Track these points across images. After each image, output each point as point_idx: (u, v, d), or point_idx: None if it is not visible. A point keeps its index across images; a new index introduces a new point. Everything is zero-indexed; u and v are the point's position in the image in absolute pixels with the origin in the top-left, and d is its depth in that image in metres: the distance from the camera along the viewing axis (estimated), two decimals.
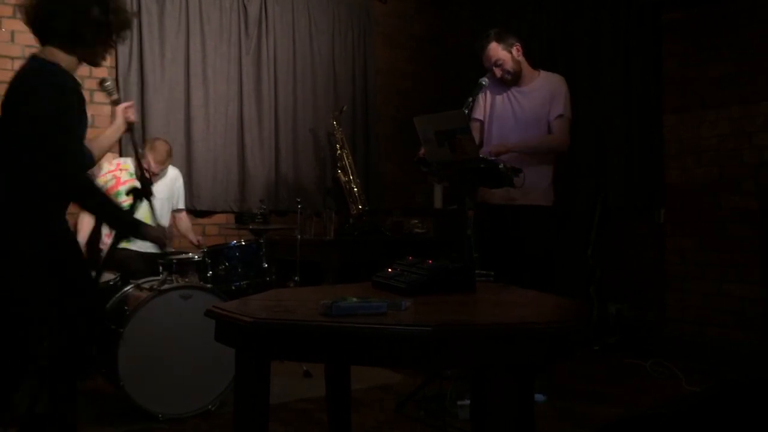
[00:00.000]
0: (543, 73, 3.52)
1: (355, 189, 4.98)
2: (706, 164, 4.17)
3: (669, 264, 4.37)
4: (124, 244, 4.05)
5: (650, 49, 4.47)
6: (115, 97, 2.55)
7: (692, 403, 1.72)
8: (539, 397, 3.24)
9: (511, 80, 3.47)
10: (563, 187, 4.80)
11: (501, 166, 2.63)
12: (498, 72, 3.44)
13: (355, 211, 4.94)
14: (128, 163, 4.16)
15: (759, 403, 1.74)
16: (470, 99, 3.34)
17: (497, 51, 3.42)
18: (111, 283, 3.50)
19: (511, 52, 3.43)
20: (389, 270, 2.16)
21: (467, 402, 3.00)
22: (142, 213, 4.07)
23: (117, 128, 2.56)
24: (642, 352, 4.18)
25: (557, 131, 3.41)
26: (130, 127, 2.55)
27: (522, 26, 5.36)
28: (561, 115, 3.40)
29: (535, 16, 5.28)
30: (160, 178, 4.21)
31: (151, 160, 4.03)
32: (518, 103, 3.49)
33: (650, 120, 4.49)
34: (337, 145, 5.06)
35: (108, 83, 2.55)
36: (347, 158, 5.03)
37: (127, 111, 2.54)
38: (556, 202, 3.58)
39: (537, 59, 5.12)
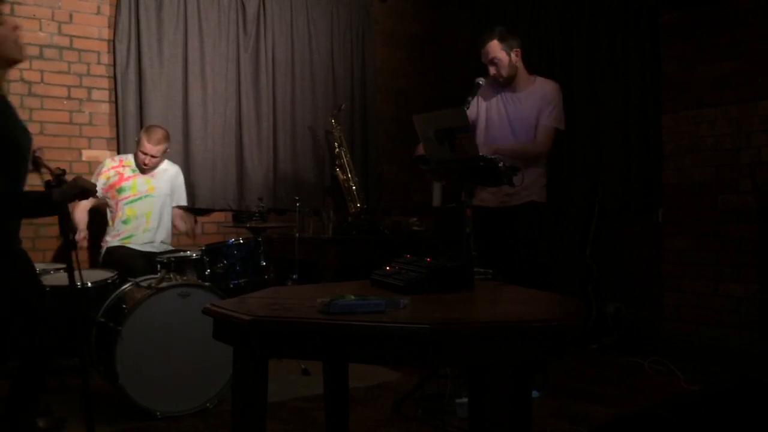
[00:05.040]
0: (539, 79, 3.57)
1: (354, 187, 4.98)
2: (703, 164, 4.18)
3: (666, 263, 4.37)
4: (123, 242, 4.06)
5: (648, 49, 4.48)
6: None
7: (688, 402, 1.73)
8: (534, 393, 3.26)
9: (503, 82, 3.52)
10: (561, 187, 4.83)
11: (500, 165, 2.63)
12: (492, 70, 3.48)
13: (353, 210, 4.95)
14: (130, 159, 4.17)
15: (754, 402, 1.74)
16: (469, 99, 3.36)
17: (496, 50, 3.46)
18: (109, 281, 3.50)
19: (509, 55, 3.48)
20: (387, 268, 2.16)
21: (465, 400, 3.00)
22: (144, 209, 4.11)
23: None
24: (640, 352, 4.19)
25: (540, 137, 3.46)
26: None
27: (520, 26, 5.36)
28: (547, 124, 3.45)
29: (534, 16, 5.28)
30: (159, 172, 4.19)
31: (145, 142, 4.01)
32: (512, 107, 3.54)
33: (648, 120, 4.49)
34: (336, 144, 5.06)
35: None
36: (346, 157, 5.03)
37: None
38: (552, 200, 3.62)
39: (536, 60, 5.16)
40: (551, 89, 3.51)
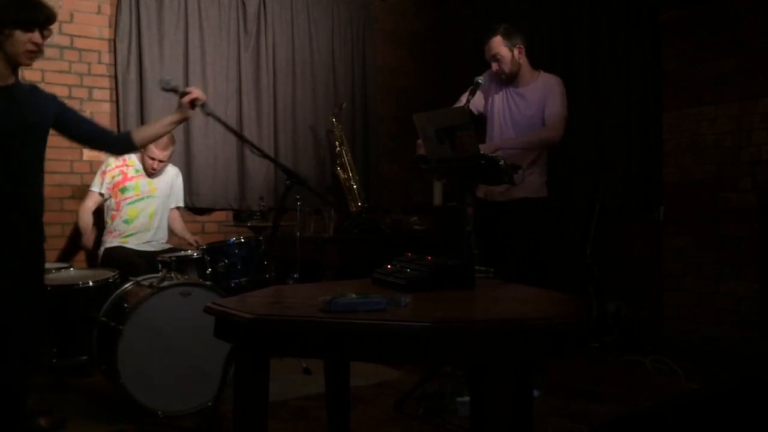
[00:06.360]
0: (542, 75, 3.58)
1: (355, 186, 4.98)
2: (704, 162, 4.18)
3: (666, 262, 4.38)
4: (122, 242, 4.06)
5: (649, 48, 4.48)
6: (179, 89, 2.82)
7: (688, 402, 1.73)
8: (534, 392, 3.25)
9: (505, 79, 3.53)
10: (562, 185, 4.83)
11: (501, 163, 2.63)
12: (495, 66, 3.50)
13: (354, 209, 4.95)
14: (133, 158, 4.16)
15: (754, 402, 1.74)
16: (470, 97, 3.37)
17: (499, 46, 3.49)
18: (110, 280, 3.51)
19: (512, 51, 3.49)
20: (389, 266, 2.16)
21: (467, 398, 3.00)
22: (147, 209, 4.12)
23: (174, 118, 2.82)
24: (640, 351, 4.18)
25: (549, 123, 3.45)
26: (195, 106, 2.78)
27: (522, 24, 5.32)
28: (554, 110, 3.45)
29: (535, 14, 5.28)
30: (161, 173, 4.21)
31: (153, 148, 3.99)
32: (515, 104, 3.56)
33: (649, 118, 4.49)
34: (337, 143, 5.06)
35: (166, 81, 2.88)
36: (346, 155, 5.03)
37: (194, 94, 2.77)
38: (553, 198, 3.62)
39: (537, 58, 5.13)
40: (555, 81, 3.53)
